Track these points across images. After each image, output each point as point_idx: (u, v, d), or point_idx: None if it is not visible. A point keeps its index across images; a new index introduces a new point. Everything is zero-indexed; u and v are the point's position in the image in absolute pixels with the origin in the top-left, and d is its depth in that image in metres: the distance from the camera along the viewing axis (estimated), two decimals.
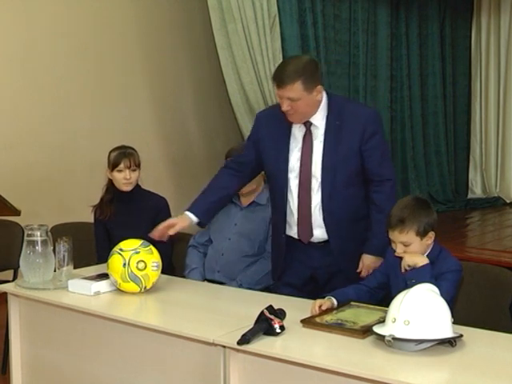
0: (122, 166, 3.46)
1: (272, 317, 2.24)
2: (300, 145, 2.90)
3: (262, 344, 2.18)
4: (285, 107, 2.78)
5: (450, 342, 2.10)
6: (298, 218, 2.93)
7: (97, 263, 3.42)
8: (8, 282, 3.32)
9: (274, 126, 2.95)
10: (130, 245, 2.82)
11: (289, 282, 3.02)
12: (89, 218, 3.72)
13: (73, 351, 2.79)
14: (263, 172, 3.21)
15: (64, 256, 2.91)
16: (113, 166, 3.48)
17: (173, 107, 6.35)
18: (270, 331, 2.22)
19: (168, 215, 3.59)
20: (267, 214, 3.28)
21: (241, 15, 5.74)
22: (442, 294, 2.20)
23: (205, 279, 3.45)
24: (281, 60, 5.89)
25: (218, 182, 3.11)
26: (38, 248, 2.87)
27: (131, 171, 3.48)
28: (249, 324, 2.24)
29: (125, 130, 5.72)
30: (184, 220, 3.02)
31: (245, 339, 2.15)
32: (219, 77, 6.12)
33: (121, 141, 3.71)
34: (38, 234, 2.88)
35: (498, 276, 2.83)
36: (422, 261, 2.42)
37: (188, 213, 3.04)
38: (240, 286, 3.33)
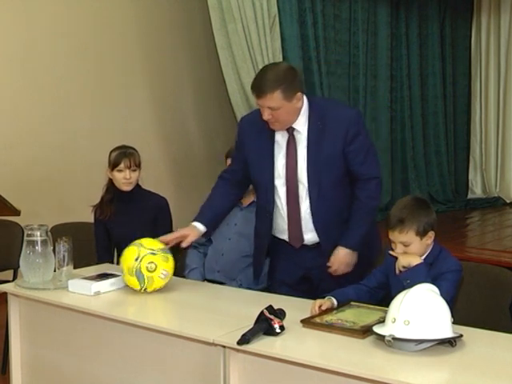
0: (122, 165, 3.46)
1: (272, 317, 2.24)
2: (284, 151, 2.89)
3: (262, 344, 2.18)
4: (266, 116, 2.77)
5: (450, 342, 2.10)
6: (288, 225, 2.93)
7: (97, 263, 3.42)
8: (8, 281, 3.32)
9: (257, 132, 2.93)
10: (151, 244, 2.81)
11: (283, 281, 3.02)
12: (89, 217, 3.72)
13: (73, 351, 2.79)
14: None
15: (64, 256, 2.91)
16: (113, 165, 3.48)
17: (173, 107, 6.35)
18: (270, 331, 2.22)
19: (168, 215, 3.60)
20: None
21: (241, 15, 5.74)
22: (442, 294, 2.20)
23: (205, 279, 3.45)
24: (281, 60, 5.90)
25: (218, 193, 3.11)
26: (38, 248, 2.87)
27: (131, 171, 3.48)
28: (249, 324, 2.24)
29: (125, 130, 5.73)
30: (194, 231, 3.00)
31: (245, 339, 2.15)
32: (219, 77, 6.12)
33: (121, 141, 3.71)
34: (38, 234, 2.88)
35: (498, 276, 2.83)
36: (416, 260, 2.42)
37: (196, 223, 3.01)
38: (240, 285, 3.33)
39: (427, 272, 2.39)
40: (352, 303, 2.53)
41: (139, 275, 2.73)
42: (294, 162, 2.87)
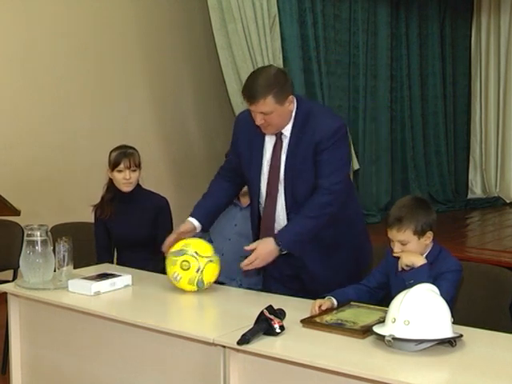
0: (121, 166, 3.46)
1: (272, 317, 2.24)
2: (270, 154, 2.89)
3: (262, 344, 2.18)
4: (258, 121, 2.77)
5: (450, 342, 2.10)
6: (262, 229, 2.95)
7: (97, 263, 3.42)
8: (8, 281, 3.32)
9: (251, 131, 2.92)
10: (204, 250, 2.83)
11: (273, 276, 3.02)
12: (89, 217, 3.72)
13: (73, 351, 2.79)
14: None
15: (64, 256, 2.91)
16: (113, 166, 3.48)
17: (173, 107, 6.35)
18: (270, 331, 2.22)
19: (169, 215, 3.60)
20: None
21: (241, 15, 5.74)
22: (442, 294, 2.20)
23: None
24: (281, 60, 5.90)
25: (214, 189, 3.12)
26: (38, 248, 2.87)
27: (131, 171, 3.48)
28: (249, 324, 2.24)
29: (125, 130, 5.73)
30: (189, 226, 3.00)
31: (245, 339, 2.15)
32: (219, 77, 6.12)
33: (121, 141, 3.71)
34: (38, 234, 2.88)
35: (498, 276, 2.83)
36: (420, 261, 2.41)
37: (191, 219, 3.02)
38: (240, 286, 3.33)
39: (430, 272, 2.39)
40: (352, 303, 2.53)
41: (200, 283, 2.77)
42: (277, 167, 2.88)
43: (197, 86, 6.49)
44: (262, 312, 2.26)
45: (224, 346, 2.25)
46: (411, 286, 2.22)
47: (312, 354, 2.11)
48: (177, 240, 2.92)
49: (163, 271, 3.32)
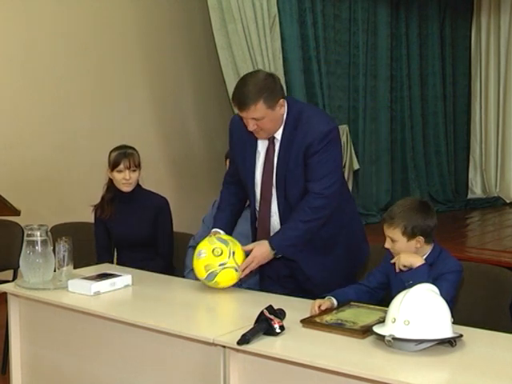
0: (121, 166, 3.46)
1: (272, 317, 2.24)
2: (262, 158, 2.90)
3: (262, 344, 2.18)
4: (251, 127, 2.76)
5: (450, 342, 2.10)
6: (258, 231, 2.98)
7: (97, 263, 3.42)
8: (8, 281, 3.32)
9: (243, 136, 2.92)
10: (239, 258, 2.82)
11: (269, 276, 3.02)
12: (89, 217, 3.72)
13: (73, 351, 2.79)
14: None
15: (64, 256, 2.91)
16: (113, 166, 3.48)
17: (173, 107, 6.35)
18: (270, 331, 2.22)
19: (169, 215, 3.60)
20: None
21: (241, 15, 5.74)
22: (442, 295, 2.20)
23: None
24: (281, 60, 5.91)
25: (226, 198, 3.13)
26: (38, 248, 2.87)
27: (131, 172, 3.48)
28: (249, 324, 2.24)
29: (125, 130, 5.73)
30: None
31: (245, 339, 2.15)
32: (219, 77, 6.12)
33: (121, 141, 3.71)
34: (38, 234, 2.88)
35: (498, 276, 2.83)
36: (418, 261, 2.42)
37: (216, 229, 3.02)
38: (240, 286, 3.32)
39: (429, 273, 2.39)
40: (352, 303, 2.53)
41: (211, 276, 2.77)
42: (270, 171, 2.88)
43: (197, 86, 6.49)
44: (261, 312, 2.26)
45: (224, 346, 2.25)
46: (410, 286, 2.22)
47: (312, 354, 2.11)
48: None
49: (163, 271, 3.33)
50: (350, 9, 6.85)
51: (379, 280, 2.64)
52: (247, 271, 2.81)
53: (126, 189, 3.50)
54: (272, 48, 5.89)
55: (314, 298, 2.55)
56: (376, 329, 2.16)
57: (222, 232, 2.99)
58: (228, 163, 3.38)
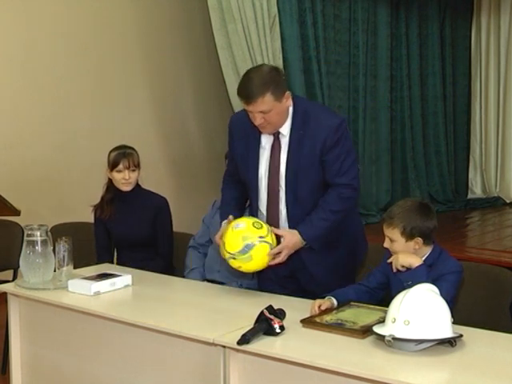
0: (121, 166, 3.46)
1: (272, 317, 2.24)
2: (268, 154, 2.88)
3: (262, 344, 2.18)
4: (258, 121, 2.75)
5: (450, 342, 2.10)
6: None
7: (97, 263, 3.42)
8: (8, 281, 3.32)
9: (246, 133, 2.91)
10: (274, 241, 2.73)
11: (269, 277, 3.00)
12: (89, 217, 3.72)
13: (73, 351, 2.79)
14: None
15: (64, 256, 2.91)
16: (112, 166, 3.48)
17: (173, 107, 6.35)
18: (270, 331, 2.22)
19: (168, 215, 3.60)
20: None
21: (241, 15, 5.74)
22: (442, 295, 2.20)
23: (205, 279, 3.45)
24: (281, 60, 5.90)
25: (228, 195, 3.08)
26: (38, 248, 2.87)
27: (130, 171, 3.48)
28: (249, 324, 2.24)
29: (125, 130, 5.72)
30: None
31: (245, 339, 2.15)
32: (219, 77, 6.12)
33: (121, 141, 3.71)
34: (38, 234, 2.88)
35: (498, 276, 2.83)
36: (417, 261, 2.42)
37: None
38: (240, 286, 3.32)
39: (428, 273, 2.39)
40: (352, 303, 2.53)
41: (249, 246, 2.66)
42: (277, 166, 2.86)
43: (197, 86, 6.49)
44: (262, 312, 2.26)
45: (224, 346, 2.25)
46: (409, 286, 2.22)
47: (312, 354, 2.11)
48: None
49: (163, 271, 3.33)
50: (350, 9, 6.84)
51: (379, 280, 2.64)
52: (277, 261, 2.75)
53: (126, 188, 3.50)
54: (272, 48, 5.89)
55: (314, 298, 2.55)
56: (376, 329, 2.16)
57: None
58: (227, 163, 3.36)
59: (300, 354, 2.11)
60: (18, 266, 3.00)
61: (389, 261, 2.50)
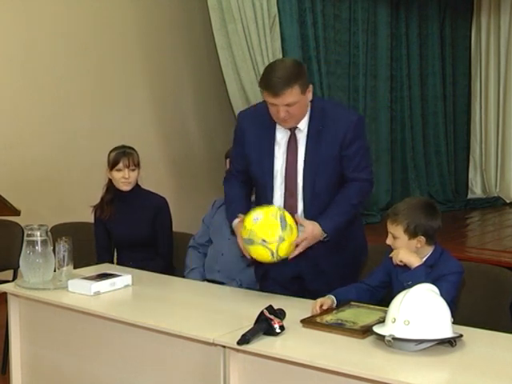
0: (120, 165, 3.46)
1: (272, 317, 2.24)
2: (284, 149, 2.85)
3: (262, 344, 2.18)
4: (283, 114, 2.72)
5: (450, 342, 2.10)
6: None
7: (97, 263, 3.42)
8: (8, 282, 3.32)
9: (258, 128, 2.88)
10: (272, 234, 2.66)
11: (275, 279, 2.97)
12: (89, 218, 3.72)
13: (73, 351, 2.79)
14: None
15: (64, 256, 2.91)
16: (112, 165, 3.48)
17: (173, 107, 6.35)
18: (270, 331, 2.22)
19: (168, 215, 3.60)
20: None
21: (241, 15, 5.74)
22: (443, 295, 2.20)
23: (205, 279, 3.45)
24: None
25: (234, 190, 3.01)
26: (38, 248, 2.87)
27: (130, 170, 3.48)
28: (249, 324, 2.24)
29: (125, 130, 5.72)
30: None
31: (245, 339, 2.15)
32: (219, 77, 6.12)
33: (121, 141, 3.71)
34: (38, 234, 2.88)
35: (498, 276, 2.83)
36: (416, 261, 2.42)
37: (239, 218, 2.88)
38: (240, 285, 3.33)
39: (427, 274, 2.39)
40: (352, 303, 2.53)
41: (282, 220, 2.63)
42: (294, 161, 2.84)
43: (197, 86, 6.49)
44: (262, 312, 2.26)
45: (224, 346, 2.25)
46: (409, 286, 2.22)
47: (312, 354, 2.11)
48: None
49: (163, 271, 3.33)
50: (350, 9, 6.84)
51: (381, 279, 2.64)
52: (296, 252, 2.72)
53: (125, 188, 3.50)
54: (272, 48, 5.89)
55: (315, 298, 2.55)
56: (376, 329, 2.16)
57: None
58: (228, 162, 3.35)
59: (300, 354, 2.11)
60: (18, 266, 3.00)
61: (390, 255, 2.50)
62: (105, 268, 3.19)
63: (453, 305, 2.33)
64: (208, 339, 2.26)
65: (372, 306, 2.50)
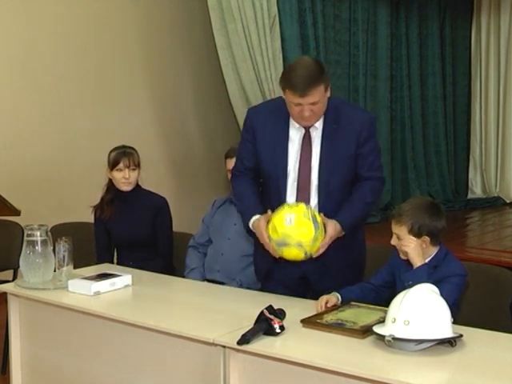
0: (121, 165, 3.47)
1: (272, 317, 2.24)
2: (298, 147, 2.83)
3: (262, 344, 2.18)
4: (308, 113, 2.71)
5: (450, 342, 2.10)
6: None
7: (97, 263, 3.42)
8: (8, 281, 3.32)
9: (270, 126, 2.86)
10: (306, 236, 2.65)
11: (280, 281, 2.95)
12: (89, 218, 3.72)
13: (73, 351, 2.79)
14: None
15: (64, 256, 2.91)
16: (112, 165, 3.48)
17: (173, 107, 6.35)
18: (270, 331, 2.22)
19: (168, 215, 3.60)
20: None
21: (241, 15, 5.73)
22: (443, 296, 2.19)
23: (205, 279, 3.45)
24: (281, 60, 5.89)
25: (245, 187, 2.96)
26: (38, 248, 2.87)
27: (130, 170, 3.48)
28: (249, 324, 2.24)
29: (125, 130, 5.72)
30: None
31: (245, 339, 2.15)
32: (219, 77, 6.12)
33: (121, 141, 3.71)
34: (38, 234, 2.88)
35: (498, 276, 2.83)
36: (419, 261, 2.43)
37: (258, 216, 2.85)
38: (240, 285, 3.33)
39: (429, 274, 2.39)
40: (352, 303, 2.53)
41: (314, 220, 2.64)
42: (308, 159, 2.82)
43: (197, 86, 6.49)
44: (262, 312, 2.26)
45: (224, 346, 2.25)
46: (410, 286, 2.22)
47: (312, 354, 2.11)
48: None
49: (163, 271, 3.33)
50: (350, 9, 6.83)
51: (385, 278, 2.64)
52: (320, 251, 2.70)
53: (126, 188, 3.50)
54: (272, 48, 5.89)
55: (315, 298, 2.55)
56: (376, 329, 2.16)
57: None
58: (228, 162, 3.34)
59: (300, 354, 2.11)
60: (18, 266, 3.00)
61: (392, 242, 2.51)
62: (105, 268, 3.19)
63: (455, 307, 2.33)
64: (208, 339, 2.26)
65: (372, 306, 2.50)
